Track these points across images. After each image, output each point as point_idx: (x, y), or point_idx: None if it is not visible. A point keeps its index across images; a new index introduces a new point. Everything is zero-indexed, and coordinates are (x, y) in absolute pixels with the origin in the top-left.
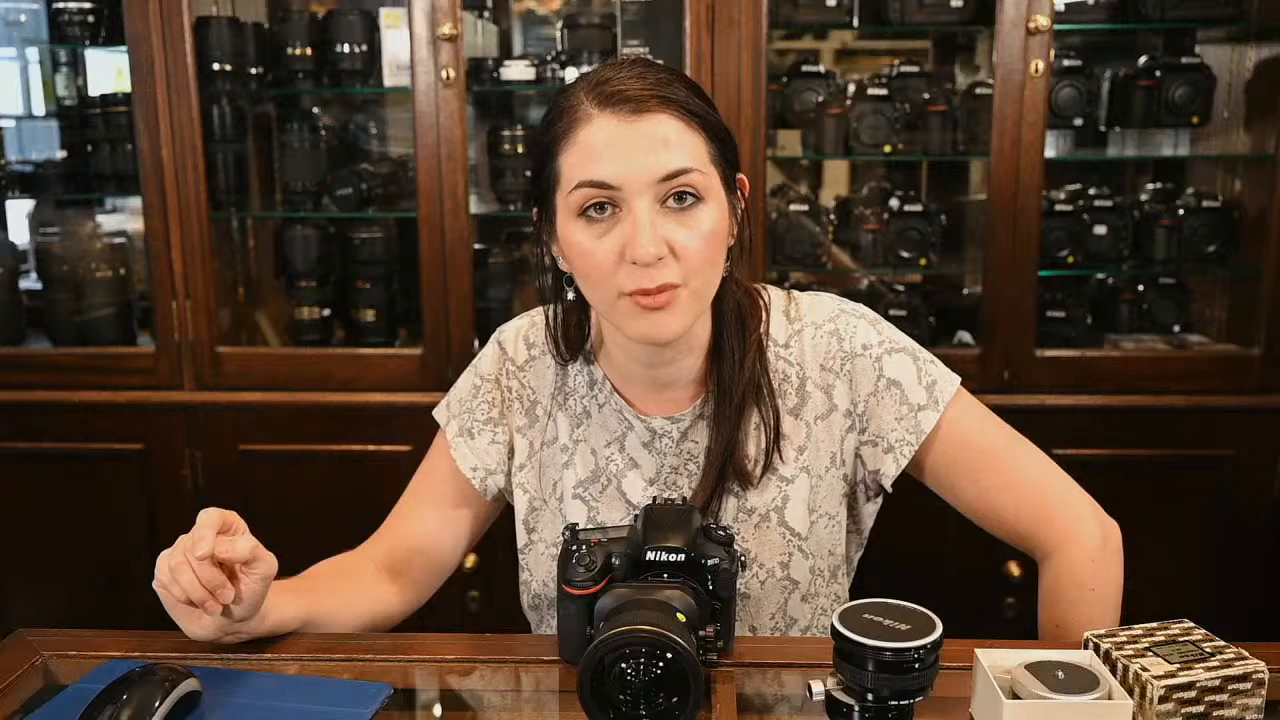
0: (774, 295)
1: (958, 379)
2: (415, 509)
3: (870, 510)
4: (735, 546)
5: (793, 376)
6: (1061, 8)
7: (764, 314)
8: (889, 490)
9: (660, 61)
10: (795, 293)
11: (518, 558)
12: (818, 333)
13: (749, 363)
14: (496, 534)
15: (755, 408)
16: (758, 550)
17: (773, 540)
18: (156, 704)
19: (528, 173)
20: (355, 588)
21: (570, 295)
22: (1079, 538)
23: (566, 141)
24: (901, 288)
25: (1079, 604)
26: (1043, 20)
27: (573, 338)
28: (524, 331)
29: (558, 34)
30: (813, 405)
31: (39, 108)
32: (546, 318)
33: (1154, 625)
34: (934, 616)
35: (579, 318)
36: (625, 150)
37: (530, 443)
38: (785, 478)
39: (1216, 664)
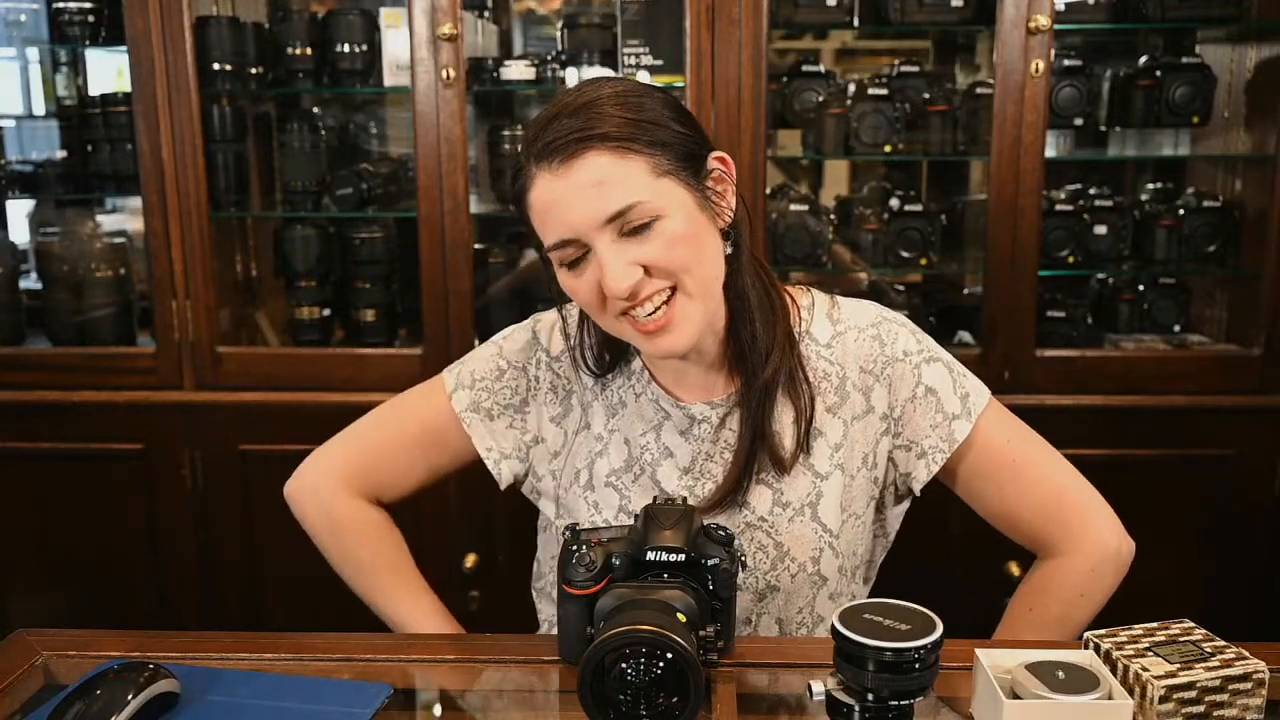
0: (818, 297)
1: (989, 392)
2: (404, 457)
3: (897, 513)
4: (735, 546)
5: (833, 376)
6: (1061, 8)
7: (795, 310)
8: (918, 495)
9: (606, 80)
10: (839, 297)
11: (537, 534)
12: (860, 336)
13: (776, 354)
14: (496, 534)
15: (789, 398)
16: (790, 544)
17: (805, 535)
18: (130, 697)
19: None
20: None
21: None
22: (1091, 545)
23: (525, 204)
24: (901, 288)
25: (1061, 602)
26: (1043, 20)
27: (611, 347)
28: (559, 326)
29: (558, 34)
30: (851, 405)
31: (39, 108)
32: (568, 336)
33: (1154, 625)
34: (934, 616)
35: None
36: (565, 204)
37: (565, 431)
38: (820, 473)
39: (1217, 664)
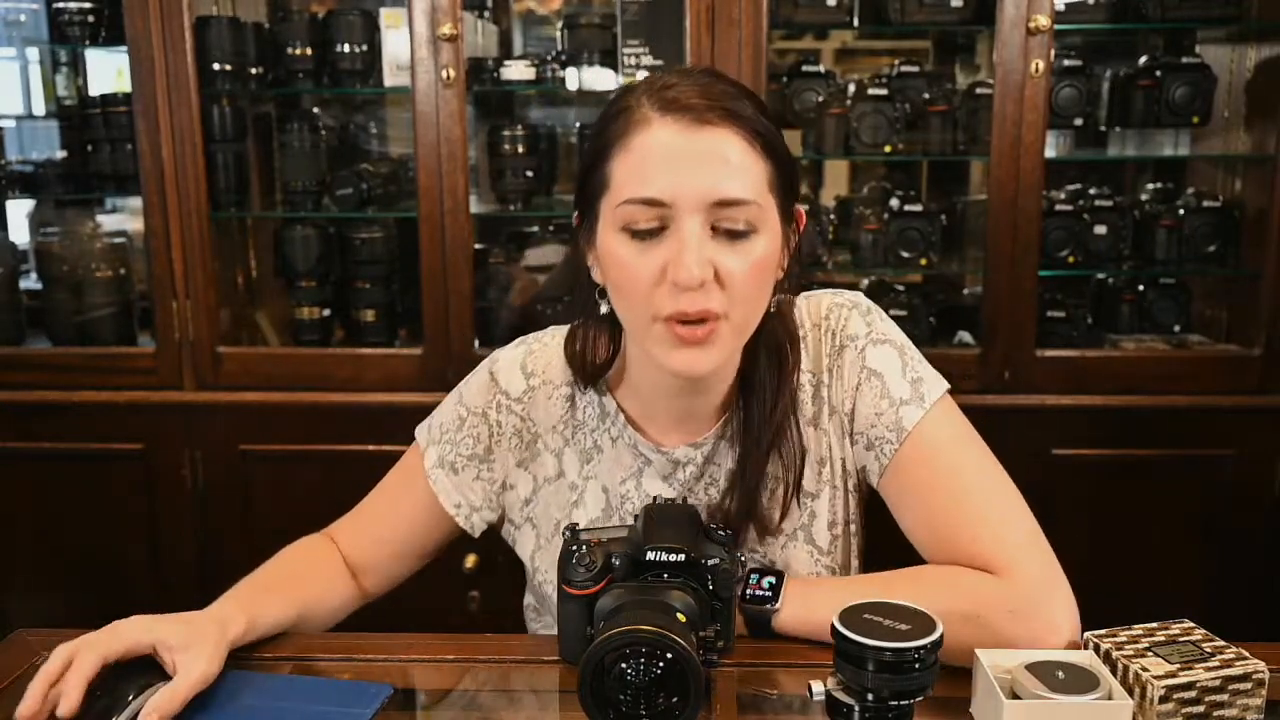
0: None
1: (946, 384)
2: (389, 519)
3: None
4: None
5: (807, 385)
6: (1061, 8)
7: (802, 351)
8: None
9: (729, 75)
10: (796, 299)
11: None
12: (817, 333)
13: (781, 407)
14: (496, 534)
15: (778, 453)
16: (784, 566)
17: (800, 558)
18: (130, 697)
19: (529, 173)
20: (331, 585)
21: (604, 309)
22: (1021, 584)
23: (621, 146)
24: (901, 288)
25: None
26: (1043, 20)
27: (598, 361)
28: (520, 360)
29: (558, 34)
30: (825, 410)
31: (39, 108)
32: (575, 334)
33: (1154, 625)
34: (934, 616)
35: (609, 338)
36: (682, 164)
37: (534, 476)
38: (810, 493)
39: (1216, 664)
